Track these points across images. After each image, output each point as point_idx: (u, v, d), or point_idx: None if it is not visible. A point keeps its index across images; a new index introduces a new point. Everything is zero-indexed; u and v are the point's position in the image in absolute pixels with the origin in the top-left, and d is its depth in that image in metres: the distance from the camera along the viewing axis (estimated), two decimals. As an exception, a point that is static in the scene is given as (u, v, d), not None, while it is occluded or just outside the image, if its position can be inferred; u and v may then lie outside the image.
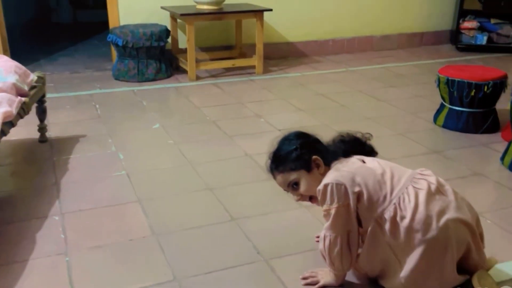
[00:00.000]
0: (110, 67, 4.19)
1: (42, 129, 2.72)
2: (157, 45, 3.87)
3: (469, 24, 5.05)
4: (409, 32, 5.27)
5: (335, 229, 1.46)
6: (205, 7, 3.94)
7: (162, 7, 4.14)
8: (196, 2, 3.99)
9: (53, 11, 6.70)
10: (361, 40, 5.05)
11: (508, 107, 2.43)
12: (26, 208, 2.06)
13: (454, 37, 5.20)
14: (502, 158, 2.49)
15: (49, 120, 2.94)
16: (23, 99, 2.32)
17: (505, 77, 2.88)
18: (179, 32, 4.28)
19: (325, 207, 1.46)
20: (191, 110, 3.30)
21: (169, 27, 4.16)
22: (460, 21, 5.07)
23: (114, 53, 4.13)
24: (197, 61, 4.01)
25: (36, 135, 2.71)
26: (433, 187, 1.44)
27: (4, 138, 2.13)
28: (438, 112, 3.05)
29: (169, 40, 4.15)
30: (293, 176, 1.53)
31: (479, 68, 3.09)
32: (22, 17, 5.59)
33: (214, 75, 4.12)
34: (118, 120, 3.12)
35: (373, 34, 5.11)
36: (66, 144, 2.68)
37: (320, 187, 1.46)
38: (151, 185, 2.29)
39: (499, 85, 2.83)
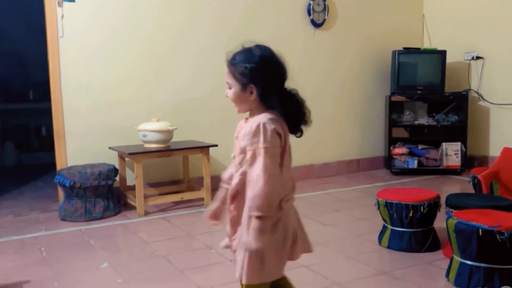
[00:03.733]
0: (57, 208, 4.12)
1: (-18, 277, 2.57)
2: (105, 184, 3.89)
3: (399, 150, 5.45)
4: (346, 159, 5.61)
5: (270, 168, 1.50)
6: (153, 145, 4.08)
7: (110, 148, 4.24)
8: (144, 142, 4.13)
9: (-4, 155, 6.66)
10: (303, 168, 5.29)
11: (444, 225, 2.57)
12: None
13: (387, 162, 5.56)
14: (447, 275, 2.57)
15: (-10, 266, 2.80)
16: (-35, 246, 2.23)
17: (438, 197, 3.08)
18: (127, 170, 4.35)
19: (254, 146, 1.52)
20: (140, 246, 3.24)
21: (117, 166, 4.22)
22: (391, 148, 5.47)
23: (61, 194, 4.09)
24: (146, 197, 4.03)
25: (-25, 284, 2.56)
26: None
27: None
28: (382, 234, 3.16)
29: (117, 178, 4.19)
30: (230, 80, 1.61)
31: (413, 190, 3.30)
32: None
33: (163, 209, 4.13)
34: (64, 261, 3.00)
35: (314, 163, 5.39)
36: (7, 292, 2.53)
37: (253, 126, 1.53)
38: (100, 329, 2.16)
39: (433, 205, 3.01)
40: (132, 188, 4.13)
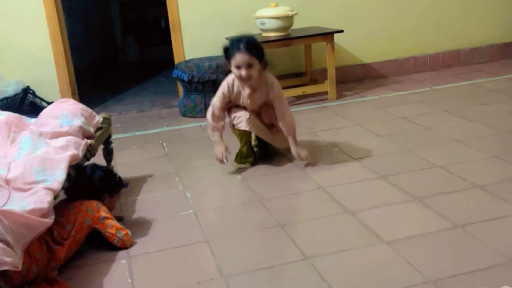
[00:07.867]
0: (177, 103, 4.39)
1: (109, 170, 2.88)
2: (223, 78, 3.99)
3: None
4: (501, 42, 5.08)
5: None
6: (272, 34, 4.05)
7: (227, 38, 4.29)
8: (262, 30, 4.11)
9: (120, 51, 7.16)
10: (445, 55, 4.93)
11: None
12: (93, 252, 2.17)
13: (555, 43, 4.95)
14: None
15: (116, 161, 3.12)
16: (89, 141, 2.49)
17: None
18: (246, 62, 4.40)
19: (279, 93, 2.80)
20: (260, 143, 3.36)
21: (235, 58, 4.29)
22: (562, 25, 4.82)
23: (181, 89, 4.32)
24: (266, 91, 4.09)
25: (104, 177, 2.87)
26: None
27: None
28: (539, 130, 2.89)
29: (236, 71, 4.27)
30: (252, 60, 2.62)
31: None
32: (90, 58, 6.02)
33: (284, 104, 4.18)
34: (185, 157, 3.24)
35: (460, 48, 4.98)
36: (133, 185, 2.81)
37: (275, 83, 2.79)
38: (219, 223, 2.35)
39: None
40: (252, 81, 4.20)
